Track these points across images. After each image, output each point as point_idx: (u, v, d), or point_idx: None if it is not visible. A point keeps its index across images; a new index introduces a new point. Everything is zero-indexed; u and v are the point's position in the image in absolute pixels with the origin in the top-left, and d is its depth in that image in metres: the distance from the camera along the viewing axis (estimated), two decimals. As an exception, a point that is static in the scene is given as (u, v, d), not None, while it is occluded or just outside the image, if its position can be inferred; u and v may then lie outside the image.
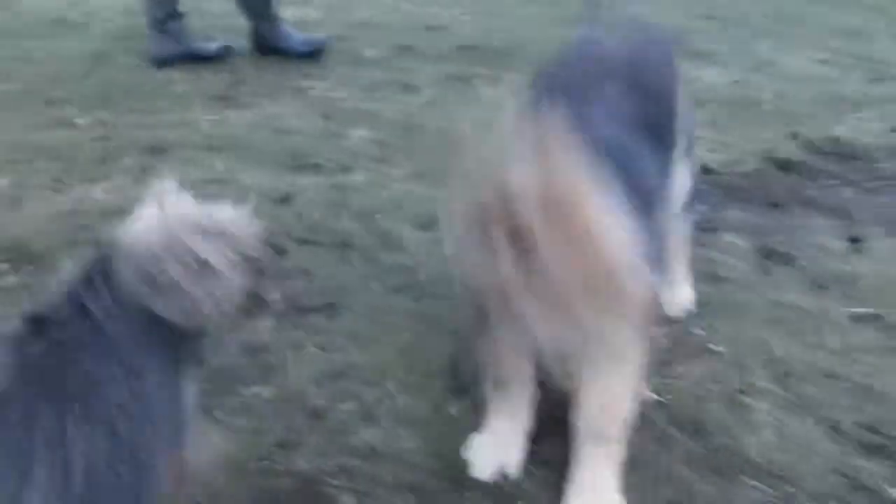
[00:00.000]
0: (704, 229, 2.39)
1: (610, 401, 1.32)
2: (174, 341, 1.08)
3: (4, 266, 2.09)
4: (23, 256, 2.13)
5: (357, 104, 3.21)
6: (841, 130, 3.05)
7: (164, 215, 1.12)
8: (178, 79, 3.42)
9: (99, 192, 2.54)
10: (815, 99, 3.40)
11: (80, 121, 3.04)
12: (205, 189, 2.37)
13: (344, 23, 4.20)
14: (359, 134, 2.93)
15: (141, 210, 1.15)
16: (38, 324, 0.99)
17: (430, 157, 2.68)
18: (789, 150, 2.89)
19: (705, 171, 2.71)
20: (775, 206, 2.56)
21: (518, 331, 1.14)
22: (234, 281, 1.11)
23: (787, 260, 2.22)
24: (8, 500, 0.90)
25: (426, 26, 4.14)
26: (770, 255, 2.26)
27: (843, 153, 2.89)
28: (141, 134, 2.91)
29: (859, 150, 2.90)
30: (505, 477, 1.44)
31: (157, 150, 2.80)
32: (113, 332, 1.01)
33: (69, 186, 2.57)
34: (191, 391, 1.14)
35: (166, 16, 3.51)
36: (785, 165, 2.79)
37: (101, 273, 1.05)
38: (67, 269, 1.07)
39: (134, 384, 0.99)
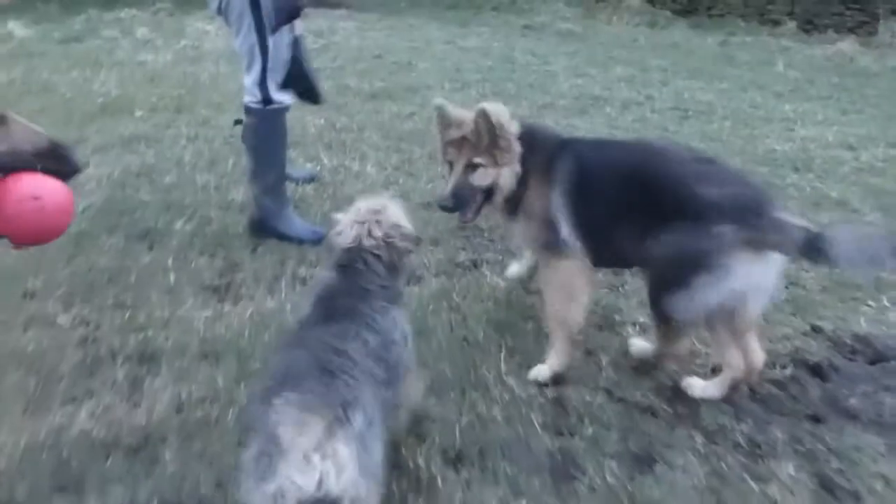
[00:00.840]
0: (753, 455, 2.22)
1: None
2: (393, 286, 2.02)
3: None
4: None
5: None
6: (862, 325, 2.95)
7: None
8: (168, 265, 3.22)
9: (83, 416, 2.28)
10: (824, 284, 3.33)
11: (61, 320, 2.80)
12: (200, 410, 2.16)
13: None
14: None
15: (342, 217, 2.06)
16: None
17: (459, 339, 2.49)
18: (817, 351, 2.77)
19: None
20: (817, 420, 2.40)
21: None
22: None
23: (854, 497, 2.04)
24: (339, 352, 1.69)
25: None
26: (832, 489, 2.08)
27: (872, 353, 2.78)
28: (129, 337, 2.68)
29: (889, 349, 2.79)
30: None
31: (148, 359, 2.57)
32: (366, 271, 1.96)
33: (47, 409, 2.30)
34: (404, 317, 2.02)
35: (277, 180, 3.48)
36: (817, 370, 2.65)
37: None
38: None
39: (385, 310, 1.92)
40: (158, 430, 2.23)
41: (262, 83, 3.30)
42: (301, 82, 3.52)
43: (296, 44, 3.45)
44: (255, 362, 2.54)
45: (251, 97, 3.33)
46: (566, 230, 2.50)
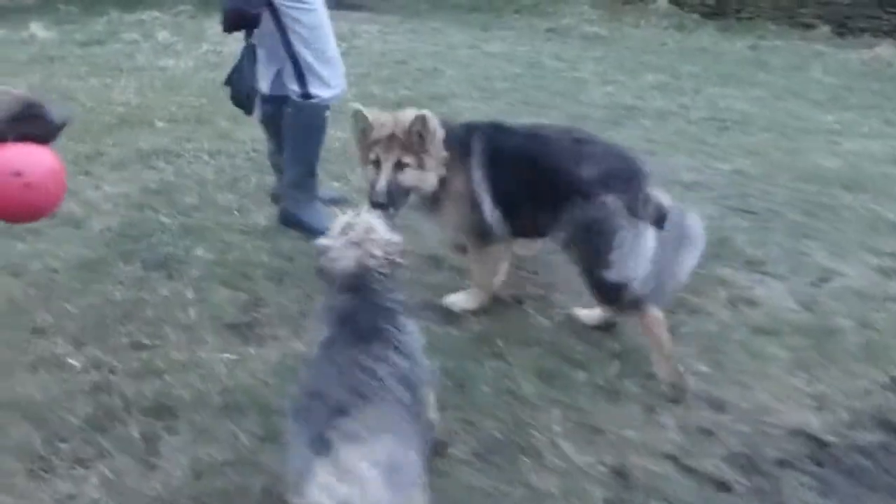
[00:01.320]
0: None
1: None
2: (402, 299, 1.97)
3: None
4: None
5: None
6: (949, 377, 2.68)
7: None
8: (187, 298, 3.00)
9: (93, 483, 2.05)
10: (896, 324, 3.05)
11: (72, 361, 2.58)
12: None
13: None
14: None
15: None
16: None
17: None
18: (900, 408, 2.51)
19: (820, 444, 2.31)
20: (913, 496, 2.14)
21: None
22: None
23: None
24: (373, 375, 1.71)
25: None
26: None
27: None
28: (145, 385, 2.46)
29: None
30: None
31: (165, 412, 2.34)
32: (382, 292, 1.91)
33: (53, 473, 2.08)
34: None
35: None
36: (904, 434, 2.39)
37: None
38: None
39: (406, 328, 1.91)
40: (175, 502, 2.01)
41: (301, 78, 3.40)
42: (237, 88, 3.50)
43: (248, 52, 3.44)
44: (279, 419, 2.30)
45: (293, 88, 3.43)
46: (488, 206, 2.76)
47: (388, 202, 2.69)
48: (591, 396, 2.51)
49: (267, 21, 3.33)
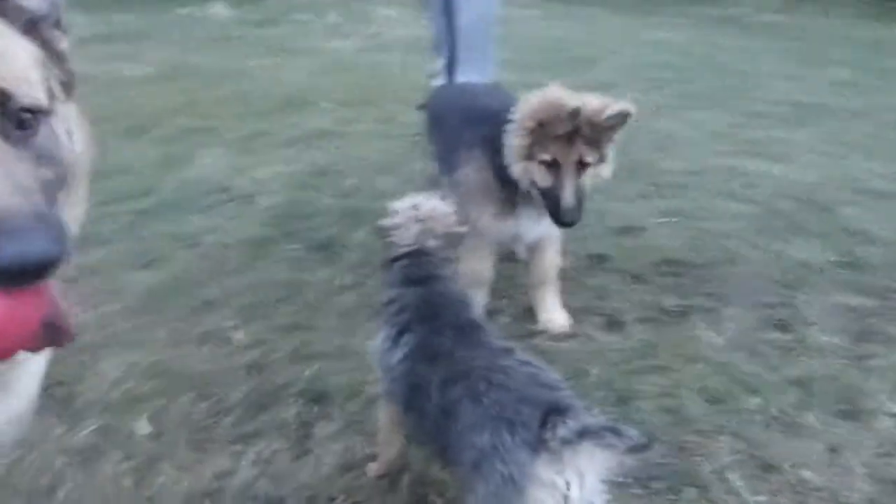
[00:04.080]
0: None
1: (552, 260, 2.74)
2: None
3: None
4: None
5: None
6: None
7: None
8: (345, 282, 3.02)
9: (248, 462, 2.09)
10: None
11: (236, 337, 2.66)
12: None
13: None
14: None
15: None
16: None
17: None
18: None
19: None
20: None
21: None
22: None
23: None
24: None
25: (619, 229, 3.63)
26: None
27: None
28: (302, 369, 2.48)
29: None
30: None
31: (319, 398, 2.34)
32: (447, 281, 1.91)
33: (213, 448, 2.14)
34: None
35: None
36: None
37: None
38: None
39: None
40: (325, 491, 2.00)
41: (450, 68, 3.30)
42: None
43: None
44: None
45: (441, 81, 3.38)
46: None
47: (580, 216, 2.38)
48: (765, 427, 2.27)
49: None
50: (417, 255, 1.90)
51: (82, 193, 1.15)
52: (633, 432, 1.53)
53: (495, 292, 2.95)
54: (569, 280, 3.08)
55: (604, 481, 1.56)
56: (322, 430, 2.22)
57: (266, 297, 2.91)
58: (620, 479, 1.99)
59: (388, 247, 1.94)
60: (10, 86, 0.93)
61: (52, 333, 0.94)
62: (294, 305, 2.87)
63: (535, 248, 2.77)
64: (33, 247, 0.81)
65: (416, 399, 1.74)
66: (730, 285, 3.07)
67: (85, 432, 2.19)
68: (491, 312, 2.83)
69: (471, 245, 2.68)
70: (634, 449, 1.53)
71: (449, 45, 3.55)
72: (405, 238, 1.90)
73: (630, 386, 2.42)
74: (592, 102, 2.26)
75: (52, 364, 2.43)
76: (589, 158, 2.30)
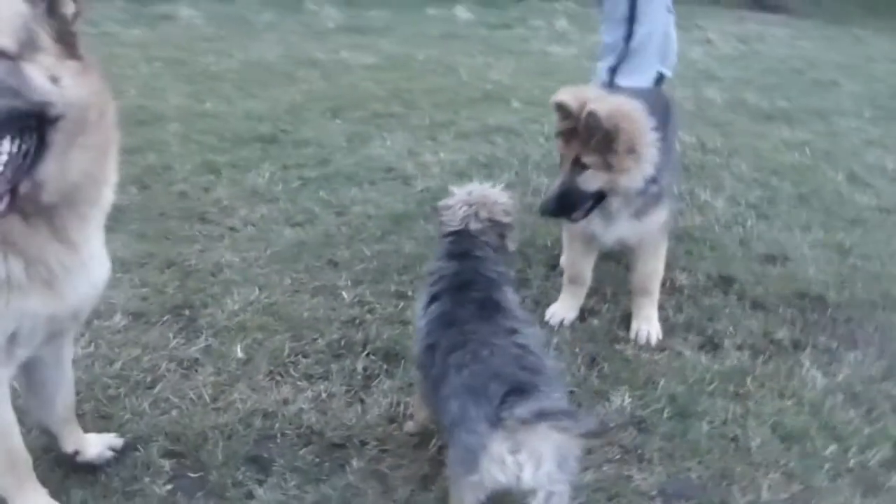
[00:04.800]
0: None
1: (651, 270, 2.68)
2: (503, 264, 2.02)
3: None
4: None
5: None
6: None
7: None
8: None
9: (308, 396, 2.33)
10: None
11: (344, 294, 2.92)
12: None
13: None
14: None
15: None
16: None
17: None
18: None
19: None
20: None
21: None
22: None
23: None
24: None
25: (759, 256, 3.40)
26: None
27: None
28: (387, 330, 2.68)
29: None
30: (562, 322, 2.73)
31: (391, 358, 2.53)
32: (486, 261, 1.98)
33: (285, 379, 2.42)
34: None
35: None
36: None
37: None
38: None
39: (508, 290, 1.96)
40: (361, 435, 2.18)
41: (613, 71, 3.41)
42: None
43: None
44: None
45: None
46: None
47: (557, 210, 2.47)
48: (832, 476, 2.08)
49: None
50: (461, 234, 2.02)
51: (97, 140, 1.45)
52: (589, 419, 1.55)
53: (600, 293, 2.95)
54: (683, 296, 2.98)
55: (563, 469, 1.58)
56: (380, 385, 2.41)
57: (384, 265, 3.15)
58: (641, 488, 1.97)
59: (440, 225, 2.08)
60: None
61: None
62: (407, 276, 3.07)
63: (632, 255, 2.73)
64: None
65: (426, 361, 1.86)
66: (866, 330, 2.78)
67: (193, 348, 2.56)
68: (587, 312, 2.85)
69: (566, 240, 2.75)
70: (588, 434, 1.55)
71: (619, 51, 3.61)
72: (454, 218, 2.03)
73: (695, 405, 2.33)
74: (595, 105, 2.28)
75: (188, 291, 2.88)
76: (586, 159, 2.33)
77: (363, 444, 2.16)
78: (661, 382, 2.42)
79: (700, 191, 3.98)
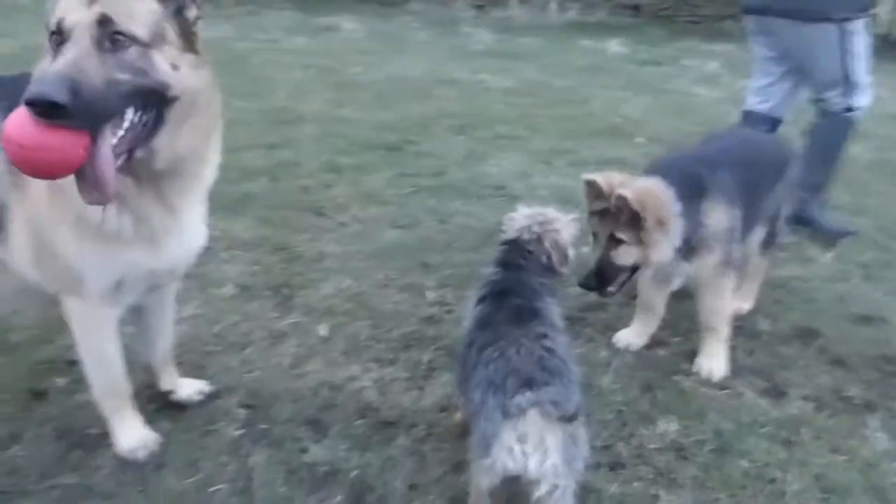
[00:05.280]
0: None
1: (711, 307, 2.75)
2: (549, 279, 2.16)
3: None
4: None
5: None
6: None
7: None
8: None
9: (371, 376, 2.56)
10: None
11: (429, 293, 3.14)
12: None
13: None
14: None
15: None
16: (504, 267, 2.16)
17: None
18: None
19: None
20: None
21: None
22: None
23: None
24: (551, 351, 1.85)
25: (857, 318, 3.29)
26: None
27: None
28: (455, 330, 2.86)
29: None
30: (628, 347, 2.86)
31: (453, 355, 2.70)
32: (530, 272, 2.13)
33: (357, 359, 2.66)
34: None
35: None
36: None
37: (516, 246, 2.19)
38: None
39: (549, 301, 2.08)
40: (412, 419, 2.38)
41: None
42: None
43: None
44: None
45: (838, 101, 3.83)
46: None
47: (597, 284, 2.57)
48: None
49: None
50: (513, 244, 2.19)
51: (203, 122, 1.74)
52: (569, 405, 1.69)
53: (673, 327, 3.00)
54: (759, 341, 2.97)
55: (569, 465, 1.70)
56: (439, 377, 2.60)
57: (471, 272, 3.33)
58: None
59: (500, 234, 2.25)
60: (114, 14, 1.54)
61: (88, 179, 1.52)
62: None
63: (696, 293, 2.78)
64: (41, 89, 1.40)
65: (465, 356, 2.02)
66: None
67: (284, 322, 2.87)
68: (655, 343, 2.90)
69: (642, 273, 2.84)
70: (564, 418, 1.68)
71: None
72: (510, 228, 2.21)
73: (740, 443, 2.35)
74: (626, 190, 2.40)
75: (290, 273, 3.20)
76: (621, 235, 2.46)
77: (412, 425, 2.35)
78: (711, 416, 2.45)
79: (808, 244, 3.89)
